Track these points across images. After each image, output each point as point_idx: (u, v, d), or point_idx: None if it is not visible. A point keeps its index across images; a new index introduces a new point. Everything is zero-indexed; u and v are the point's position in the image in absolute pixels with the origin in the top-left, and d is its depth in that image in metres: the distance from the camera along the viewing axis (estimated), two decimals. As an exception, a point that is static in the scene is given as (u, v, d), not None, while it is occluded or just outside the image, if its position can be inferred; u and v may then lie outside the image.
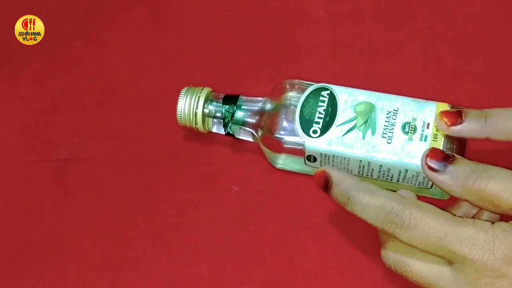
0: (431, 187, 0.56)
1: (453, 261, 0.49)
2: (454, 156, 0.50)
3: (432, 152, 0.51)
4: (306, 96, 0.57)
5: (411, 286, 0.56)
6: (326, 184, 0.52)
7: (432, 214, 0.49)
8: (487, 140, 0.53)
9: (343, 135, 0.55)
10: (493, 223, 0.48)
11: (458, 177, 0.49)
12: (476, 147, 0.59)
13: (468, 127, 0.52)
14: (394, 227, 0.49)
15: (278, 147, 0.58)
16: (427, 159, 0.50)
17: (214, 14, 0.71)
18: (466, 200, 0.50)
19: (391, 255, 0.52)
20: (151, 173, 0.63)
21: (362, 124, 0.56)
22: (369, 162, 0.55)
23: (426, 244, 0.48)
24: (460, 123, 0.52)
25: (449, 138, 0.54)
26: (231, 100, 0.60)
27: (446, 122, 0.53)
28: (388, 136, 0.55)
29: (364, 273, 0.58)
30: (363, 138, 0.55)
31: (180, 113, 0.60)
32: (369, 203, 0.50)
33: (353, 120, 0.56)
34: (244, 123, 0.59)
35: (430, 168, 0.50)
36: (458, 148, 0.54)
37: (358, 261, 0.58)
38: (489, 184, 0.48)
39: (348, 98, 0.57)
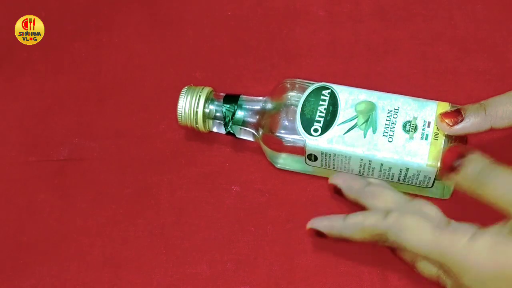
0: (431, 187, 0.56)
1: (442, 269, 0.49)
2: (469, 151, 0.49)
3: (449, 152, 0.50)
4: (307, 95, 0.57)
5: (410, 286, 0.56)
6: (338, 191, 0.55)
7: (409, 227, 0.49)
8: (491, 131, 0.53)
9: (344, 133, 0.55)
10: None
11: (468, 177, 0.48)
12: (477, 142, 0.59)
13: (470, 123, 0.52)
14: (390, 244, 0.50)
15: (279, 146, 0.58)
16: (445, 158, 0.50)
17: (214, 14, 0.71)
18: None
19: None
20: (151, 173, 0.63)
21: (363, 123, 0.56)
22: (370, 161, 0.55)
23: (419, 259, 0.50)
24: (462, 120, 0.53)
25: (450, 136, 0.54)
26: (231, 99, 0.60)
27: (448, 123, 0.53)
28: (389, 135, 0.55)
29: (364, 273, 0.58)
30: (364, 137, 0.55)
31: (180, 112, 0.60)
32: (362, 233, 0.51)
33: (354, 119, 0.56)
34: (244, 123, 0.59)
35: (447, 167, 0.49)
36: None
37: (358, 261, 0.58)
38: (490, 187, 0.47)
39: (349, 97, 0.57)
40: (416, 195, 0.56)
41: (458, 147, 0.49)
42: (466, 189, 0.49)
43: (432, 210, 0.50)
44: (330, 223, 0.53)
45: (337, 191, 0.56)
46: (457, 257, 0.46)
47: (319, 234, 0.54)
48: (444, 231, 0.47)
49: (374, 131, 0.55)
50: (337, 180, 0.56)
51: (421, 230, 0.48)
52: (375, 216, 0.51)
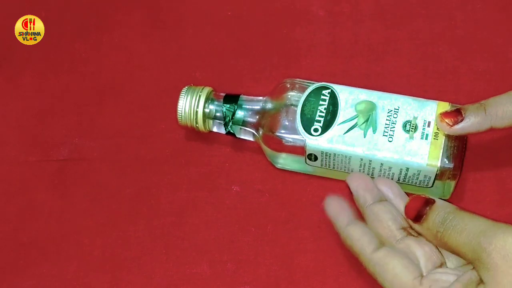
0: (431, 186, 0.56)
1: None
2: (433, 202, 0.49)
3: (412, 201, 0.50)
4: (307, 95, 0.57)
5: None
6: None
7: (392, 269, 0.49)
8: (491, 131, 0.53)
9: (344, 133, 0.55)
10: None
11: (430, 228, 0.49)
12: (477, 142, 0.59)
13: (470, 122, 0.52)
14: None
15: (279, 145, 0.58)
16: (408, 207, 0.50)
17: (214, 14, 0.71)
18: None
19: None
20: (151, 173, 0.63)
21: (363, 123, 0.56)
22: (370, 161, 0.55)
23: None
24: (462, 120, 0.53)
25: (450, 136, 0.54)
26: (232, 99, 0.60)
27: (448, 123, 0.53)
28: (389, 135, 0.55)
29: (364, 273, 0.57)
30: (364, 137, 0.55)
31: (180, 112, 0.60)
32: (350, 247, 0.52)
33: (354, 118, 0.56)
34: (244, 122, 0.59)
35: (410, 217, 0.50)
36: (459, 145, 0.54)
37: (358, 261, 0.58)
38: (451, 235, 0.47)
39: (349, 97, 0.57)
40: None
41: (420, 197, 0.50)
42: (432, 239, 0.49)
43: (422, 251, 0.50)
44: (336, 218, 0.53)
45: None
46: None
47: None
48: (422, 282, 0.47)
49: (374, 131, 0.55)
50: (352, 183, 0.54)
51: (400, 279, 0.48)
52: (366, 244, 0.50)
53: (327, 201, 0.54)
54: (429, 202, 0.49)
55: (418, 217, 0.49)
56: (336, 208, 0.53)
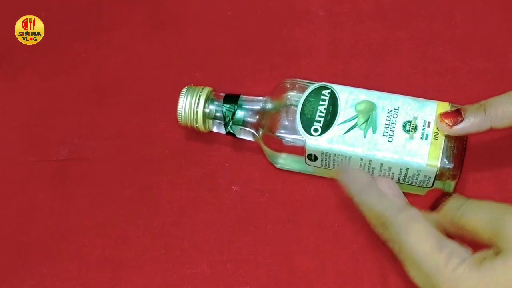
0: (431, 186, 0.56)
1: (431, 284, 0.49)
2: (449, 194, 0.52)
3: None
4: (307, 95, 0.57)
5: (409, 286, 0.56)
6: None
7: (414, 235, 0.49)
8: (491, 131, 0.53)
9: (344, 133, 0.55)
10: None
11: (447, 214, 0.50)
12: (477, 142, 0.59)
13: (470, 123, 0.52)
14: (386, 235, 0.51)
15: (279, 146, 0.58)
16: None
17: (214, 14, 0.71)
18: (461, 236, 0.50)
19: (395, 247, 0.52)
20: (151, 173, 0.63)
21: (363, 123, 0.56)
22: (370, 161, 0.55)
23: (409, 261, 0.49)
24: (462, 121, 0.53)
25: (450, 136, 0.54)
26: (232, 99, 0.60)
27: (447, 123, 0.53)
28: (389, 135, 0.55)
29: (364, 273, 0.58)
30: (364, 137, 0.55)
31: (180, 112, 0.60)
32: (369, 211, 0.52)
33: (354, 118, 0.56)
34: (244, 122, 0.59)
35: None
36: (459, 145, 0.54)
37: (357, 261, 0.58)
38: (468, 218, 0.49)
39: (349, 97, 0.57)
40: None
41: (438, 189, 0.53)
42: (448, 225, 0.50)
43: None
44: (354, 181, 0.53)
45: None
46: (444, 278, 0.47)
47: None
48: (442, 250, 0.48)
49: (374, 131, 0.55)
50: (340, 173, 0.55)
51: (424, 239, 0.48)
52: (390, 205, 0.51)
53: (340, 170, 0.54)
54: (446, 194, 0.52)
55: (434, 206, 0.51)
56: (352, 173, 0.54)
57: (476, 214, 0.48)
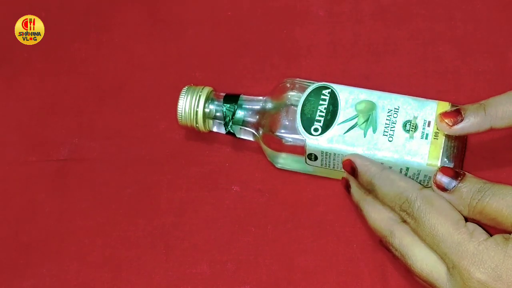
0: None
1: (447, 264, 0.49)
2: (464, 174, 0.51)
3: (443, 170, 0.52)
4: (307, 95, 0.57)
5: (409, 286, 0.56)
6: (352, 170, 0.55)
7: (436, 212, 0.50)
8: (491, 131, 0.53)
9: (345, 133, 0.55)
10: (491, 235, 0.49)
11: (464, 197, 0.50)
12: (477, 142, 0.59)
13: (470, 123, 0.52)
14: (405, 215, 0.51)
15: (279, 145, 0.58)
16: (437, 177, 0.51)
17: (214, 14, 0.71)
18: (473, 220, 0.50)
19: (396, 240, 0.52)
20: (151, 173, 0.63)
21: (363, 122, 0.56)
22: (370, 160, 0.55)
23: (427, 238, 0.50)
24: (461, 120, 0.53)
25: (450, 136, 0.54)
26: (232, 99, 0.60)
27: (447, 123, 0.53)
28: (389, 134, 0.55)
29: (364, 273, 0.58)
30: (364, 136, 0.55)
31: (180, 112, 0.60)
32: (388, 192, 0.52)
33: (354, 118, 0.56)
34: (244, 122, 0.59)
35: (439, 187, 0.51)
36: (459, 145, 0.54)
37: (358, 261, 0.58)
38: (490, 202, 0.49)
39: (349, 97, 0.57)
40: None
41: (450, 169, 0.52)
42: (462, 208, 0.50)
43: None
44: (369, 165, 0.54)
45: (352, 172, 0.55)
46: (467, 253, 0.48)
47: (352, 170, 0.55)
48: (466, 225, 0.49)
49: (374, 131, 0.55)
50: (355, 158, 0.55)
51: (449, 214, 0.50)
52: (411, 183, 0.52)
53: (351, 157, 0.55)
54: (459, 174, 0.51)
55: (444, 188, 0.51)
56: (365, 158, 0.54)
57: (500, 199, 0.48)
